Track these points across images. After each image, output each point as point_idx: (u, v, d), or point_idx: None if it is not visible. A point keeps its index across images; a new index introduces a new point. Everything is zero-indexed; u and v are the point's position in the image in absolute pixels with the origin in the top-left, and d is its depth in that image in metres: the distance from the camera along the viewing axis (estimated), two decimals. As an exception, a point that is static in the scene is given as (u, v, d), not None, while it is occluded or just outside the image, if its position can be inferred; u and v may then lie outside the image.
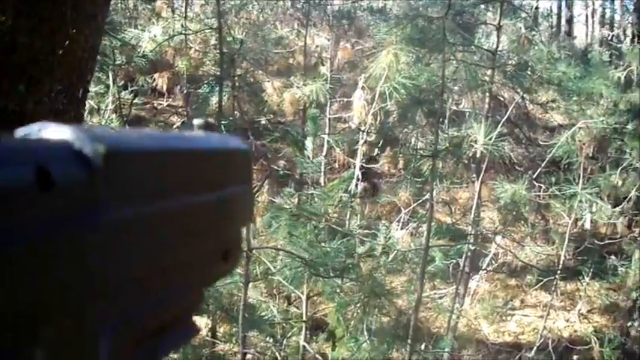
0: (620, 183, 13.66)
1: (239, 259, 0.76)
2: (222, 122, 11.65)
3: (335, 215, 10.27)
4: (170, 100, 16.27)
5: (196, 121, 0.79)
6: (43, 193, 0.48)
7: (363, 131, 11.01)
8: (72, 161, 0.51)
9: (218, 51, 11.26)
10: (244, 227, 0.82)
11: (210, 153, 0.74)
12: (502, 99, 13.19)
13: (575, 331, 13.82)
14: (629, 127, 13.44)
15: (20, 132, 0.54)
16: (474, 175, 11.66)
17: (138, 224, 0.59)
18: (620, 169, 13.58)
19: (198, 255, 0.70)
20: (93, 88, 11.88)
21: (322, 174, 11.90)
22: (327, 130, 12.54)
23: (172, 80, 14.62)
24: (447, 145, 10.47)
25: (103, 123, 12.22)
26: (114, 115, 12.40)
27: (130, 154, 0.58)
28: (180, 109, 15.63)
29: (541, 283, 12.50)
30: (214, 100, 12.03)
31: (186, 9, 14.01)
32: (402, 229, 11.67)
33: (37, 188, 0.47)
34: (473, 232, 11.40)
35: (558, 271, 11.79)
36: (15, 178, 0.46)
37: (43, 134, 0.53)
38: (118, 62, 11.95)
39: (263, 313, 10.48)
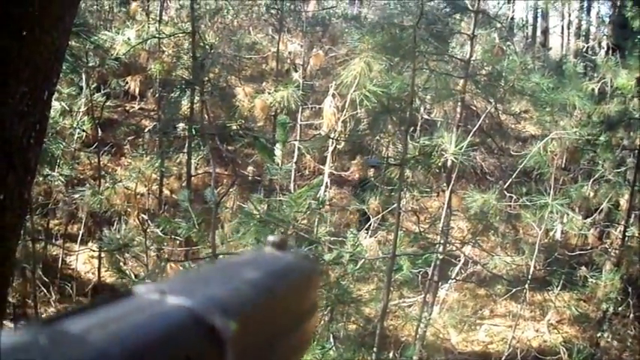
0: (591, 194, 13.71)
1: None
2: (194, 127, 11.64)
3: (304, 222, 10.24)
4: (142, 103, 16.24)
5: (271, 239, 0.81)
6: None
7: (333, 138, 10.99)
8: (206, 340, 0.57)
9: (191, 55, 11.24)
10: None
11: (298, 287, 0.78)
12: (475, 108, 13.21)
13: (545, 341, 13.83)
14: (602, 138, 13.48)
15: (142, 292, 0.60)
16: (445, 184, 11.65)
17: None
18: (592, 180, 13.63)
19: None
20: (65, 90, 11.84)
21: (292, 181, 11.88)
22: (297, 137, 12.52)
23: (145, 83, 14.62)
24: (417, 153, 10.44)
25: (74, 125, 12.18)
26: (86, 118, 12.37)
27: (250, 319, 0.63)
28: (152, 113, 15.61)
29: (510, 293, 12.48)
30: (186, 104, 12.03)
31: (161, 13, 13.97)
32: (370, 237, 11.65)
33: None
34: (442, 241, 11.38)
35: (528, 281, 11.78)
36: None
37: (167, 300, 0.58)
38: (91, 64, 11.91)
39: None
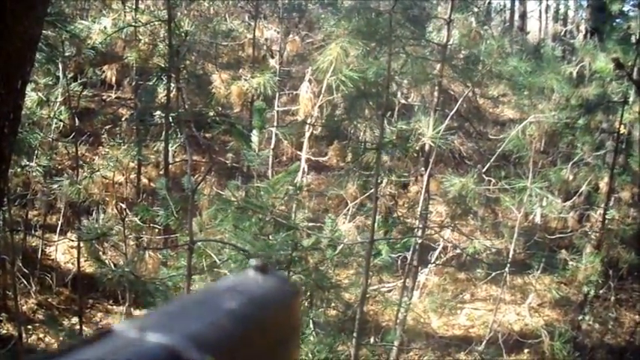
0: (570, 177, 13.73)
1: None
2: (171, 114, 11.60)
3: (282, 208, 10.22)
4: (119, 92, 16.18)
5: (253, 262, 0.81)
6: None
7: (309, 124, 10.97)
8: None
9: (167, 43, 11.20)
10: None
11: (278, 314, 0.79)
12: (452, 93, 13.21)
13: (526, 324, 13.84)
14: (581, 121, 13.51)
15: (121, 329, 0.60)
16: (423, 169, 11.64)
17: None
18: (571, 163, 13.65)
19: None
20: (42, 80, 11.78)
21: (270, 167, 11.87)
22: (274, 123, 12.49)
23: (122, 72, 14.56)
24: (394, 138, 10.43)
25: (52, 115, 12.13)
26: (63, 107, 12.31)
27: (228, 352, 0.64)
28: (129, 101, 15.55)
29: (490, 277, 12.46)
30: (163, 92, 11.98)
31: (137, 1, 13.89)
32: (349, 222, 11.65)
33: None
34: (420, 226, 11.37)
35: (508, 265, 11.77)
36: None
37: (146, 337, 0.59)
38: (67, 54, 11.86)
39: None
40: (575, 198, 14.03)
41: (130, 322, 0.61)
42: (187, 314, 0.67)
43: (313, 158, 12.15)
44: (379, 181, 10.41)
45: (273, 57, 13.78)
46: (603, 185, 14.01)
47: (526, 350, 13.48)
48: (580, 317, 13.82)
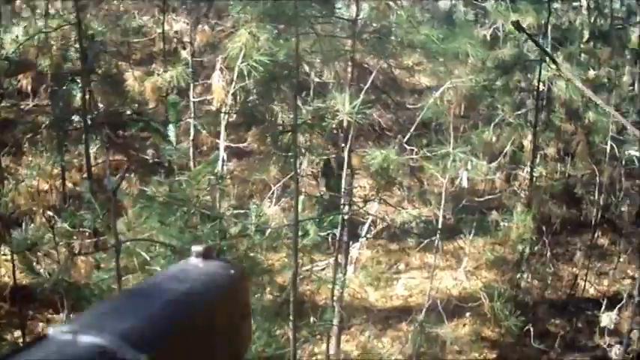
0: (494, 139, 13.81)
1: None
2: (88, 117, 11.56)
3: (207, 199, 10.22)
4: (36, 99, 16.02)
5: (195, 248, 0.82)
6: None
7: (224, 112, 10.97)
8: None
9: (78, 46, 11.15)
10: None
11: (224, 298, 0.80)
12: (367, 66, 13.21)
13: (465, 288, 13.98)
14: (499, 83, 13.60)
15: (55, 333, 0.60)
16: (343, 145, 11.68)
17: None
18: (492, 125, 13.73)
19: None
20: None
21: (191, 159, 11.85)
22: (191, 114, 12.46)
23: (37, 80, 14.43)
24: (309, 118, 10.47)
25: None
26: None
27: (166, 347, 0.65)
28: (47, 108, 15.39)
29: (423, 245, 12.52)
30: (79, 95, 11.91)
31: (47, 6, 13.77)
32: (274, 205, 11.67)
33: None
34: (346, 202, 11.43)
35: (438, 231, 11.85)
36: None
37: (79, 339, 0.58)
38: (-19, 66, 11.77)
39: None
40: (500, 159, 14.11)
41: (65, 326, 0.61)
42: (123, 311, 0.67)
43: (233, 145, 12.15)
44: (299, 161, 10.44)
45: (184, 49, 13.76)
46: (527, 143, 14.11)
47: (467, 314, 13.61)
48: (518, 276, 13.95)
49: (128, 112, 12.37)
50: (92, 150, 12.68)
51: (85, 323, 0.62)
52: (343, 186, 11.34)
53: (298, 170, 10.73)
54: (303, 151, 11.60)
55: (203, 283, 0.77)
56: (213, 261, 0.82)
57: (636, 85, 15.45)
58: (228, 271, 0.82)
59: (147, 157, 12.51)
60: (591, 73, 14.31)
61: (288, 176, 11.58)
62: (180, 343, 0.67)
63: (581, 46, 14.63)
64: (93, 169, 12.46)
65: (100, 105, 11.60)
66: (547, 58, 12.88)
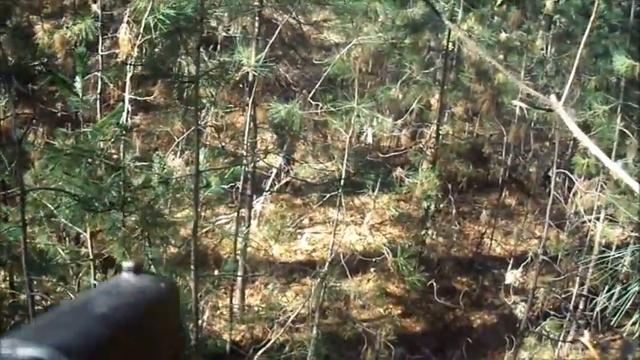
0: (400, 96, 13.93)
1: None
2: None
3: (113, 151, 10.24)
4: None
5: (126, 264, 0.87)
6: None
7: (129, 64, 10.95)
8: None
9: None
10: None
11: (154, 312, 0.82)
12: (275, 22, 13.25)
13: (369, 243, 14.14)
14: (407, 41, 13.71)
15: None
16: (248, 99, 11.74)
17: None
18: (399, 82, 13.85)
19: None
20: None
21: (98, 112, 11.79)
22: (99, 68, 12.39)
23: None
24: (212, 70, 10.50)
25: None
26: None
27: (97, 358, 0.67)
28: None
29: (326, 199, 12.59)
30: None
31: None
32: (178, 158, 11.71)
33: None
34: (248, 155, 11.51)
35: (340, 186, 11.95)
36: None
37: (18, 352, 0.61)
38: None
39: (54, 257, 10.42)
40: (406, 116, 14.28)
41: (4, 340, 0.64)
42: (59, 324, 0.71)
43: (140, 99, 12.11)
44: (200, 113, 10.49)
45: (95, 2, 13.63)
46: (435, 102, 14.27)
47: (372, 269, 13.79)
48: (423, 232, 14.13)
49: (37, 65, 12.24)
50: (1, 103, 12.58)
51: (23, 337, 0.66)
52: (246, 139, 11.42)
53: (201, 122, 10.78)
54: (208, 104, 11.61)
55: (134, 297, 0.83)
56: (144, 275, 0.87)
57: (548, 49, 15.65)
58: (158, 284, 0.88)
59: (55, 110, 12.45)
60: (503, 35, 14.44)
61: (192, 129, 11.62)
62: (113, 353, 0.72)
63: (495, 9, 14.73)
64: (1, 122, 12.35)
65: (10, 59, 11.45)
66: (458, 19, 13.08)
